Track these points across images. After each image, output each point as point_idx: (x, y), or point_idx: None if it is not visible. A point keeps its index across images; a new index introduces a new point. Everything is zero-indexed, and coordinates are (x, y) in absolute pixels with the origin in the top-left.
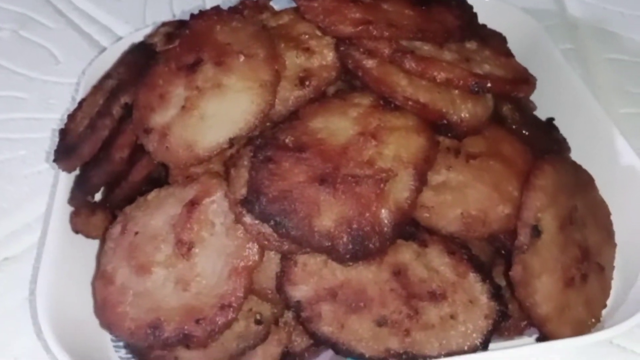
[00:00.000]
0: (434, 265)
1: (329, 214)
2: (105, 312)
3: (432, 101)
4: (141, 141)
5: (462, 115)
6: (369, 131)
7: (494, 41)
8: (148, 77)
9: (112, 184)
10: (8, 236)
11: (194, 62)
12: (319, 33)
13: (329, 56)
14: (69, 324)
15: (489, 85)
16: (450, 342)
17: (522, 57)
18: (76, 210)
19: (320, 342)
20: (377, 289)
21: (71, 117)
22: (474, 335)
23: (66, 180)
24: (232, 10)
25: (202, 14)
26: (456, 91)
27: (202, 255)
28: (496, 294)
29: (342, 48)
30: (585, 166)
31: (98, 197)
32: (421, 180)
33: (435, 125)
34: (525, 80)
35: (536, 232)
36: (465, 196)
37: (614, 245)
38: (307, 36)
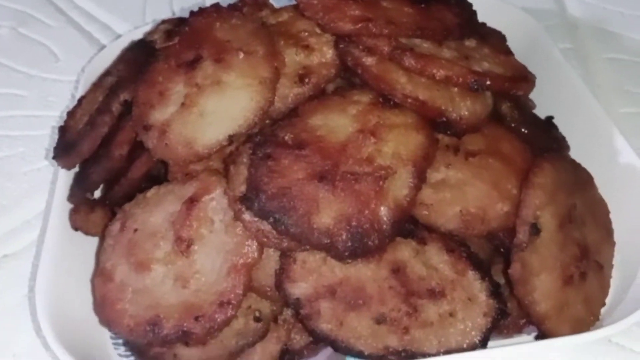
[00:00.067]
0: (433, 262)
1: (328, 212)
2: (104, 309)
3: (432, 99)
4: (140, 138)
5: (461, 112)
6: (368, 128)
7: (493, 39)
8: (147, 74)
9: (112, 181)
10: (7, 233)
11: (194, 59)
12: (318, 30)
13: (329, 53)
14: (68, 321)
15: (488, 82)
16: (449, 340)
17: (521, 56)
18: (75, 207)
19: (319, 339)
20: (376, 287)
21: (71, 114)
22: (473, 333)
23: (65, 178)
24: (232, 7)
25: (202, 11)
26: (455, 89)
27: (201, 252)
28: (495, 292)
29: (341, 45)
30: (584, 165)
31: (97, 194)
32: (420, 178)
33: (434, 123)
34: (524, 78)
35: (535, 230)
36: (464, 194)
37: (613, 243)
38: (306, 33)
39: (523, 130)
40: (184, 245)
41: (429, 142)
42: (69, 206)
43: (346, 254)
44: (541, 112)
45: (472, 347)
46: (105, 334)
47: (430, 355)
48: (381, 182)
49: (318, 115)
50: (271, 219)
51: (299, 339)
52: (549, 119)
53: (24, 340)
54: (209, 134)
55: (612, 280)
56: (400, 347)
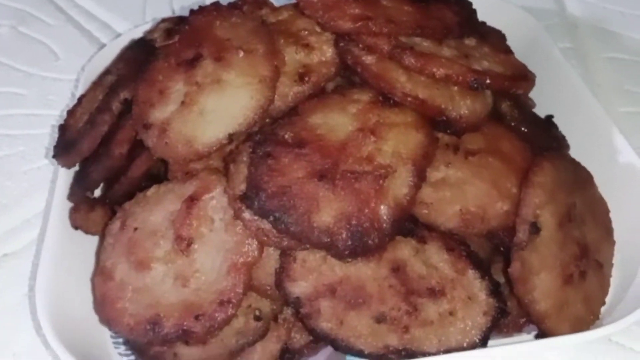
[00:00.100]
0: (433, 261)
1: (328, 210)
2: (104, 308)
3: (431, 97)
4: (140, 137)
5: (461, 111)
6: (368, 127)
7: (493, 38)
8: (147, 72)
9: (112, 180)
10: (7, 232)
11: (194, 58)
12: (318, 29)
13: (328, 52)
14: (69, 320)
15: (488, 81)
16: (449, 339)
17: (521, 55)
18: (75, 206)
19: (319, 338)
20: (376, 286)
21: (71, 112)
22: (473, 332)
23: (65, 176)
24: (232, 6)
25: (202, 10)
26: (455, 87)
27: (202, 251)
28: (495, 291)
29: (341, 44)
30: (584, 164)
31: (98, 193)
32: (420, 177)
33: (434, 122)
34: (524, 76)
35: (535, 229)
36: (464, 193)
37: (613, 242)
38: (306, 32)
39: (523, 129)
40: (184, 244)
41: (429, 141)
42: (69, 205)
43: (346, 252)
44: (541, 111)
45: (472, 346)
46: (105, 332)
47: (430, 354)
48: (381, 181)
49: (318, 113)
50: (271, 218)
51: (299, 338)
52: (549, 118)
53: (24, 339)
54: (209, 133)
55: (612, 279)
56: (400, 346)
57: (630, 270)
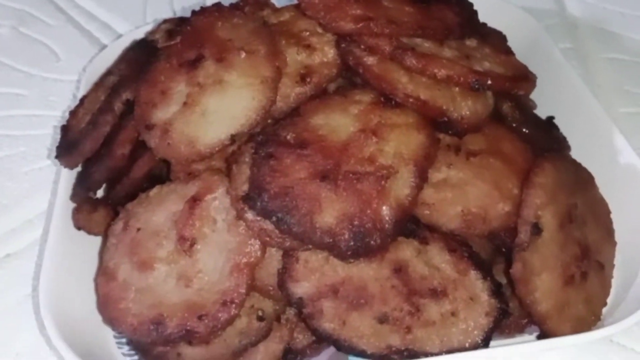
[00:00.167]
0: (435, 262)
1: (331, 211)
2: (107, 308)
3: (433, 98)
4: (143, 137)
5: (463, 112)
6: (370, 128)
7: (494, 39)
8: (149, 73)
9: (114, 180)
10: (9, 233)
11: (195, 59)
12: (319, 30)
13: (330, 53)
14: (72, 320)
15: (489, 82)
16: (451, 339)
17: (522, 56)
18: (78, 206)
19: (321, 338)
20: (378, 286)
21: (73, 113)
22: (475, 332)
23: (68, 177)
24: (233, 6)
25: (203, 11)
26: (456, 88)
27: (204, 251)
28: (497, 292)
29: (342, 45)
30: (585, 165)
31: (100, 193)
32: (422, 177)
33: (435, 123)
34: (525, 77)
35: (536, 229)
36: (465, 193)
37: (614, 243)
38: (308, 33)
39: (524, 130)
40: (186, 244)
41: (431, 142)
42: (71, 205)
43: (348, 253)
44: (541, 112)
45: (474, 347)
46: (108, 332)
47: (432, 354)
48: (383, 182)
49: (320, 114)
50: (274, 218)
51: (302, 338)
52: (550, 119)
53: (27, 339)
54: (211, 133)
55: (613, 280)
56: (402, 347)
57: (632, 271)
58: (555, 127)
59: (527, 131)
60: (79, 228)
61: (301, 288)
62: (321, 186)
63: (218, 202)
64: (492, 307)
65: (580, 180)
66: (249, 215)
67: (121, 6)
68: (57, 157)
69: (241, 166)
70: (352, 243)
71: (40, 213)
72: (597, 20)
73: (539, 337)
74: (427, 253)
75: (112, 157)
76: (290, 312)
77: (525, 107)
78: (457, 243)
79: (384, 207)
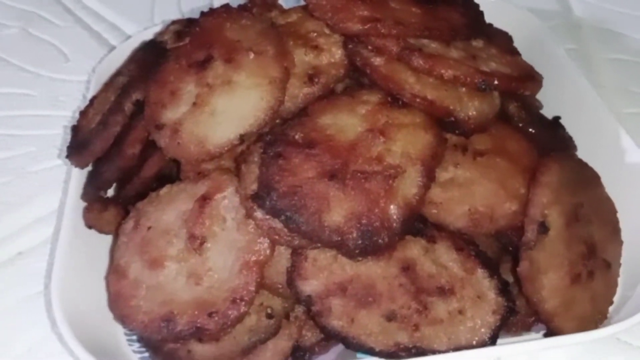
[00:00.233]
0: (442, 261)
1: (339, 210)
2: (118, 305)
3: (440, 98)
4: (153, 137)
5: (469, 112)
6: (377, 128)
7: (500, 39)
8: (159, 74)
9: (124, 180)
10: (21, 231)
11: (204, 59)
12: (327, 31)
13: (337, 54)
14: (83, 317)
15: (495, 82)
16: (458, 337)
17: (526, 57)
18: (89, 205)
19: (330, 336)
20: (386, 284)
21: (83, 113)
22: (482, 330)
23: (79, 176)
24: (241, 8)
25: (212, 12)
26: (463, 89)
27: (214, 249)
28: (504, 290)
29: (350, 46)
30: (591, 164)
31: (110, 193)
32: (429, 177)
33: (442, 123)
34: (531, 77)
35: (543, 228)
36: (472, 193)
37: (620, 242)
38: (315, 34)
39: (530, 130)
40: (196, 242)
41: (438, 142)
42: (82, 204)
43: (356, 251)
44: (547, 112)
45: (482, 345)
46: (119, 330)
47: (440, 352)
48: (391, 181)
49: (327, 114)
50: (282, 217)
51: (310, 336)
52: (556, 119)
53: (39, 334)
54: (220, 133)
55: (619, 279)
56: (410, 344)
57: (638, 269)
58: (562, 127)
59: (533, 131)
60: (89, 227)
61: (310, 286)
62: (329, 185)
63: (227, 201)
64: (499, 305)
65: (586, 180)
66: (258, 214)
67: (129, 7)
68: (67, 156)
69: (250, 166)
70: (360, 241)
71: (51, 212)
72: (601, 21)
73: (546, 335)
74: (435, 252)
75: (123, 156)
76: (299, 309)
77: (531, 107)
78: (464, 242)
79: (392, 206)
